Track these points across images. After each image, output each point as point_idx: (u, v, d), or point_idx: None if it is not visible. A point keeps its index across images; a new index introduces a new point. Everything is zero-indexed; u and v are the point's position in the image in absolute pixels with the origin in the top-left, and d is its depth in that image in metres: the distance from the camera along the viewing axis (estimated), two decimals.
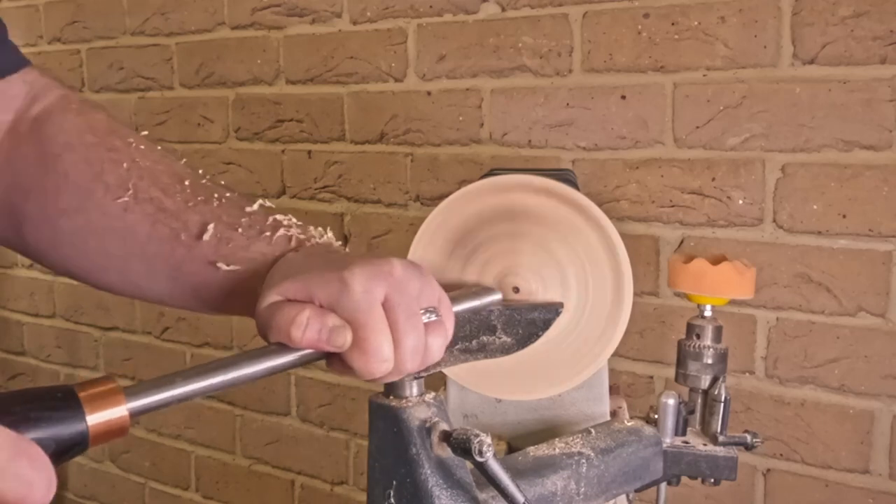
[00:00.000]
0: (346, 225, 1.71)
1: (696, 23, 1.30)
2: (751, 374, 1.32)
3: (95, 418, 0.40)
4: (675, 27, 1.31)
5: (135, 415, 0.42)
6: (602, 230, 0.74)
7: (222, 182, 0.62)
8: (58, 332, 2.29)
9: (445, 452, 0.56)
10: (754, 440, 0.85)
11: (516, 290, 0.74)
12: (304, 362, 0.51)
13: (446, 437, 0.55)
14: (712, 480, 0.83)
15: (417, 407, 0.57)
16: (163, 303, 0.63)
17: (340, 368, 0.52)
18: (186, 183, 0.60)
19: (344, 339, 0.49)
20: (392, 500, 0.57)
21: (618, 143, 1.38)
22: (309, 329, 0.49)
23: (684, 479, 0.85)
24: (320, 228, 0.60)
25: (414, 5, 1.55)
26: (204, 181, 0.61)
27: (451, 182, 1.55)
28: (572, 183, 0.88)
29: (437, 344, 0.53)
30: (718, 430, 0.86)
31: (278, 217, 0.59)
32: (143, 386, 0.44)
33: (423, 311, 0.52)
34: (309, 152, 1.74)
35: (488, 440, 0.53)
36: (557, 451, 0.71)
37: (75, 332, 2.25)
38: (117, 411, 0.41)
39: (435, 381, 0.70)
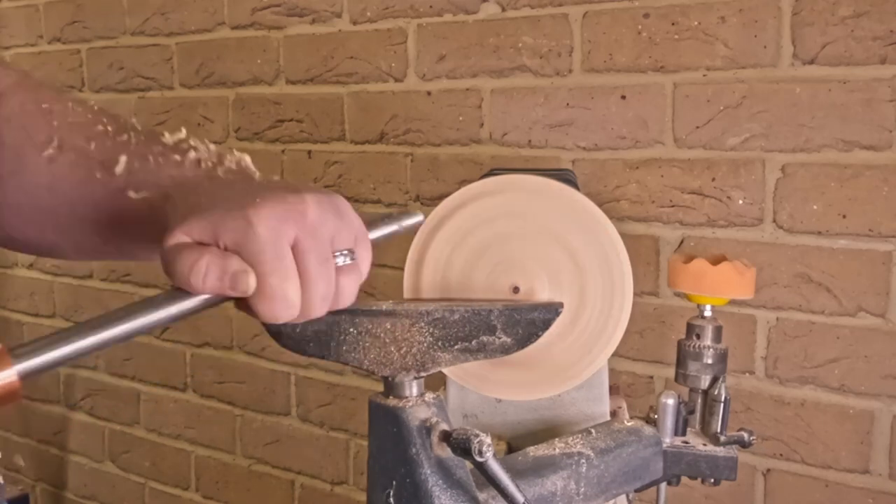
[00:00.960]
0: None
1: (696, 23, 1.30)
2: (751, 374, 1.32)
3: None
4: (675, 27, 1.31)
5: (26, 377, 0.39)
6: (602, 230, 0.74)
7: (158, 127, 0.63)
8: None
9: (445, 452, 0.56)
10: (751, 438, 0.85)
11: (516, 290, 0.74)
12: (208, 306, 0.49)
13: (446, 437, 0.55)
14: (712, 480, 0.84)
15: (417, 407, 0.57)
16: (103, 256, 0.63)
17: (247, 310, 0.50)
18: (110, 128, 0.60)
19: (246, 285, 0.47)
20: (392, 500, 0.57)
21: (618, 143, 1.38)
22: (209, 276, 0.47)
23: (684, 479, 0.85)
24: (238, 153, 0.58)
25: (414, 5, 1.55)
26: (122, 122, 0.61)
27: (451, 182, 1.55)
28: (572, 183, 0.88)
29: (350, 288, 0.51)
30: (718, 430, 0.86)
31: (192, 142, 0.58)
32: (32, 345, 0.41)
33: (337, 254, 0.50)
34: (309, 152, 1.74)
35: (488, 440, 0.53)
36: (557, 451, 0.71)
37: None
38: (4, 375, 0.38)
39: (435, 381, 0.70)
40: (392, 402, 0.57)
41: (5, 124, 0.60)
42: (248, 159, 0.58)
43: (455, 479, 0.56)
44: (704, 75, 1.30)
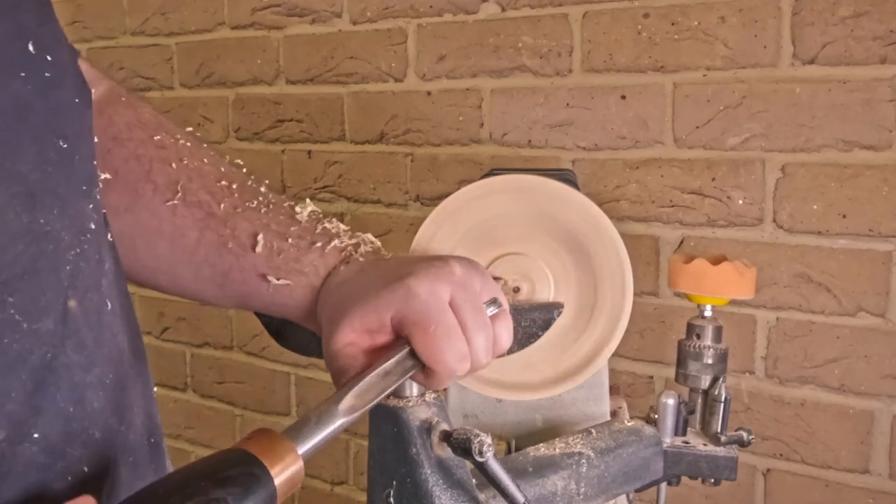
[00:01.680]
0: (346, 225, 1.71)
1: (696, 23, 1.30)
2: (751, 374, 1.32)
3: (281, 479, 0.39)
4: (675, 27, 1.31)
5: (306, 460, 0.42)
6: (602, 230, 0.74)
7: (266, 182, 0.61)
8: None
9: (445, 452, 0.56)
10: (750, 437, 0.85)
11: (516, 290, 0.74)
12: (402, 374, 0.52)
13: (446, 437, 0.55)
14: (712, 480, 0.84)
15: (418, 407, 0.57)
16: (209, 303, 0.62)
17: (420, 379, 0.52)
18: (234, 186, 0.59)
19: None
20: (392, 500, 0.57)
21: (618, 143, 1.38)
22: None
23: (684, 479, 0.85)
24: (368, 235, 0.59)
25: (414, 5, 1.55)
26: (250, 183, 0.60)
27: (451, 182, 1.55)
28: (572, 183, 0.88)
29: (505, 334, 0.54)
30: (718, 430, 0.86)
31: (327, 226, 0.58)
32: (304, 429, 0.43)
33: (485, 304, 0.53)
34: (309, 152, 1.74)
35: (488, 440, 0.53)
36: (557, 451, 0.71)
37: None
38: (296, 467, 0.40)
39: None
40: (392, 402, 0.57)
41: (118, 148, 0.58)
42: (376, 241, 0.59)
43: (455, 479, 0.56)
44: (704, 75, 1.30)
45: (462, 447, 0.53)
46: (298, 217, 0.58)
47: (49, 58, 0.43)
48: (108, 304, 0.46)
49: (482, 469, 0.54)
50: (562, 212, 0.74)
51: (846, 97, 1.20)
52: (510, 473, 0.55)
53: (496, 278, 0.68)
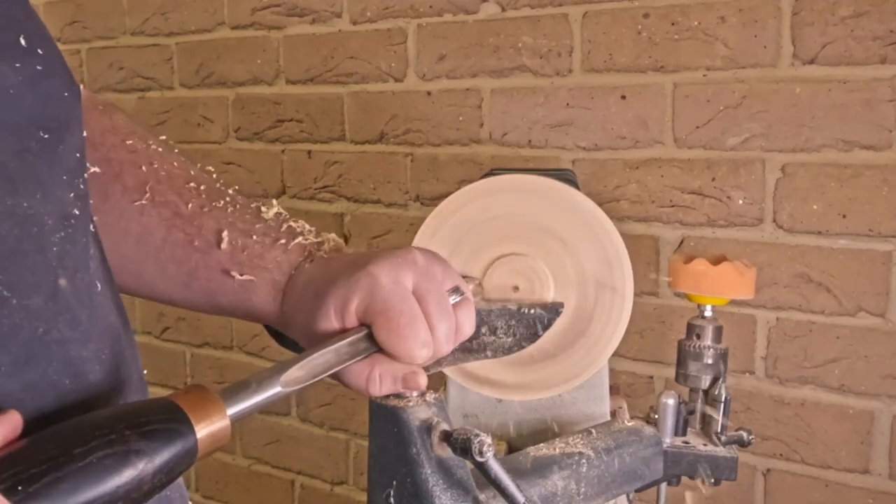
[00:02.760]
0: (346, 225, 1.71)
1: (696, 23, 1.30)
2: (751, 374, 1.32)
3: (203, 431, 0.40)
4: (675, 27, 1.31)
5: (235, 421, 0.42)
6: (602, 230, 0.74)
7: (235, 187, 0.62)
8: None
9: (445, 452, 0.56)
10: (750, 437, 0.85)
11: (516, 289, 0.74)
12: (352, 356, 0.53)
13: (446, 437, 0.55)
14: (712, 480, 0.84)
15: (417, 407, 0.57)
16: (175, 304, 0.63)
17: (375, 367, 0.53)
18: (202, 188, 0.60)
19: (417, 383, 0.53)
20: (392, 500, 0.57)
21: (618, 143, 1.38)
22: (384, 383, 0.53)
23: (684, 479, 0.85)
24: (332, 235, 0.60)
25: (414, 5, 1.55)
26: (218, 185, 0.61)
27: (451, 182, 1.55)
28: (572, 183, 0.88)
29: (468, 322, 0.55)
30: (719, 430, 0.86)
31: (292, 224, 0.59)
32: (236, 391, 0.44)
33: (448, 292, 0.54)
34: (309, 152, 1.74)
35: (488, 440, 0.53)
36: (557, 451, 0.71)
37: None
38: (222, 423, 0.41)
39: (435, 381, 0.70)
40: (393, 401, 0.57)
41: (90, 152, 0.58)
42: (339, 240, 0.60)
43: (455, 479, 0.56)
44: (704, 75, 1.30)
45: (462, 447, 0.53)
46: (264, 216, 0.59)
47: (40, 51, 0.45)
48: (98, 285, 0.47)
49: (482, 469, 0.54)
50: (562, 212, 0.74)
51: (846, 97, 1.20)
52: (510, 473, 0.55)
53: (465, 277, 0.69)
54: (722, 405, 0.86)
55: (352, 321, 0.52)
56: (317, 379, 0.49)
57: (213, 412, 0.41)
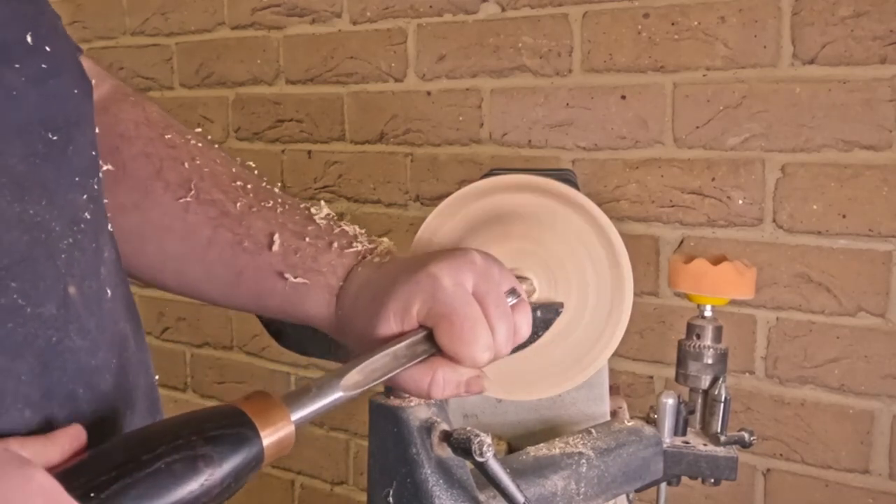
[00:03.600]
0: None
1: (696, 23, 1.30)
2: (751, 374, 1.32)
3: (269, 439, 0.40)
4: (675, 27, 1.31)
5: (299, 426, 0.43)
6: (602, 230, 0.74)
7: (278, 186, 0.61)
8: None
9: (445, 452, 0.56)
10: (752, 438, 0.85)
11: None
12: (412, 358, 0.52)
13: (446, 437, 0.55)
14: (712, 480, 0.84)
15: (417, 407, 0.57)
16: (217, 304, 0.61)
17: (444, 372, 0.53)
18: (249, 186, 0.58)
19: (481, 386, 0.52)
20: (392, 500, 0.57)
21: (618, 143, 1.38)
22: (447, 388, 0.51)
23: (684, 478, 0.85)
24: (385, 239, 0.59)
25: (414, 5, 1.55)
26: (264, 184, 0.60)
27: (451, 182, 1.55)
28: (572, 183, 0.88)
29: (525, 324, 0.54)
30: (719, 430, 0.86)
31: (345, 227, 0.58)
32: (300, 397, 0.44)
33: (505, 294, 0.53)
34: (309, 152, 1.74)
35: (488, 440, 0.53)
36: (557, 451, 0.71)
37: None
38: (287, 428, 0.41)
39: None
40: (393, 402, 0.57)
41: (126, 145, 0.57)
42: (391, 243, 0.59)
43: (455, 478, 0.56)
44: (704, 75, 1.30)
45: (462, 447, 0.54)
46: (315, 218, 0.58)
47: (48, 48, 0.44)
48: (108, 291, 0.46)
49: (482, 469, 0.54)
50: (561, 212, 0.74)
51: (846, 97, 1.20)
52: (510, 473, 0.55)
53: (519, 277, 0.68)
54: (722, 405, 0.86)
55: (412, 324, 0.51)
56: (376, 382, 0.48)
57: (278, 418, 0.41)
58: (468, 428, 0.54)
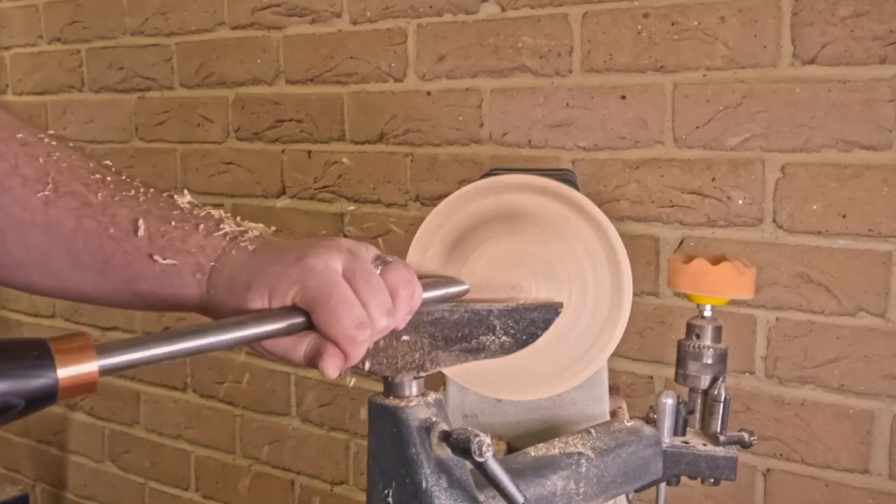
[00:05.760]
0: (346, 225, 1.71)
1: (696, 23, 1.30)
2: (751, 374, 1.32)
3: (66, 372, 0.41)
4: (675, 27, 1.31)
5: (104, 372, 0.43)
6: (601, 230, 0.74)
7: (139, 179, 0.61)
8: (57, 332, 2.28)
9: (445, 452, 0.56)
10: (752, 438, 0.85)
11: (516, 289, 0.74)
12: (283, 334, 0.52)
13: (446, 437, 0.55)
14: (712, 480, 0.83)
15: (417, 407, 0.57)
16: (87, 299, 0.61)
17: (316, 356, 0.54)
18: (108, 179, 0.59)
19: (353, 359, 0.54)
20: (391, 500, 0.57)
21: (618, 143, 1.38)
22: (331, 365, 0.53)
23: (684, 479, 0.85)
24: (258, 224, 0.61)
25: (414, 5, 1.55)
26: (124, 177, 0.60)
27: (451, 182, 1.55)
28: (572, 183, 0.88)
29: (402, 282, 0.56)
30: (718, 430, 0.86)
31: (211, 211, 0.59)
32: (116, 345, 0.45)
33: (374, 264, 0.56)
34: (309, 152, 1.74)
35: (488, 440, 0.53)
36: (557, 451, 0.71)
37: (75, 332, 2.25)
38: (88, 367, 0.42)
39: (435, 381, 0.70)
40: (392, 402, 0.57)
41: None
42: (262, 226, 0.61)
43: (455, 479, 0.56)
44: (704, 75, 1.30)
45: (461, 447, 0.53)
46: (178, 203, 0.59)
47: None
48: None
49: (482, 469, 0.54)
50: (561, 212, 0.74)
51: (846, 97, 1.20)
52: (510, 473, 0.55)
53: (453, 281, 0.69)
54: (721, 405, 0.86)
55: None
56: (222, 347, 0.49)
57: (84, 359, 0.42)
58: (467, 428, 0.54)
